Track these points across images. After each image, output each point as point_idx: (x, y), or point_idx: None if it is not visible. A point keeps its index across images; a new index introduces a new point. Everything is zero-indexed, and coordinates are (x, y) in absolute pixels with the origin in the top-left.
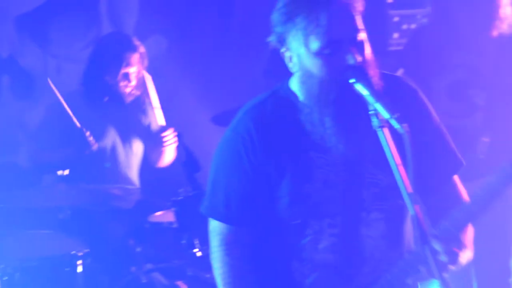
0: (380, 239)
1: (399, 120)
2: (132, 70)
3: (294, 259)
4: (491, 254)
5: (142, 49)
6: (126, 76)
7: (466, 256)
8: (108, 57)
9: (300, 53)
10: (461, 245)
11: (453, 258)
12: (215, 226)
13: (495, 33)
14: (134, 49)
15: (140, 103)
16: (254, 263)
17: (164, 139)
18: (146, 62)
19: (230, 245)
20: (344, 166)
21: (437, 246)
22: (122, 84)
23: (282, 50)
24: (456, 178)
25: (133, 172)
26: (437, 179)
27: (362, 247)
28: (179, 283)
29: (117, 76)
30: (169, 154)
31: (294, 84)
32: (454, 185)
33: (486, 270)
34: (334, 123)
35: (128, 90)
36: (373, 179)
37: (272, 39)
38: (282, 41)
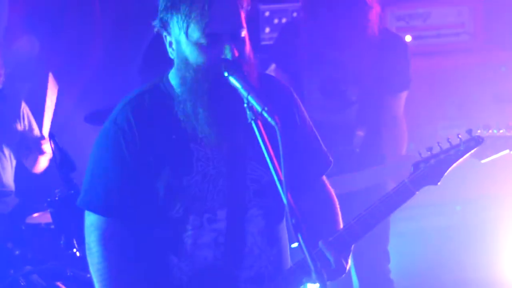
0: (258, 235)
1: (270, 113)
2: None
3: (174, 254)
4: (369, 240)
5: None
6: None
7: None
8: None
9: (180, 40)
10: (349, 254)
11: (342, 267)
12: (93, 221)
13: (362, 32)
14: None
15: (15, 107)
16: (134, 258)
17: (42, 148)
18: None
19: (109, 240)
20: (224, 160)
21: (328, 255)
22: None
23: (164, 34)
24: (324, 178)
25: (7, 175)
26: (307, 178)
27: (242, 243)
28: (59, 284)
29: None
30: (43, 162)
31: (173, 75)
32: (322, 185)
33: (364, 256)
34: (208, 115)
35: None
36: (254, 175)
37: (156, 22)
38: (164, 25)
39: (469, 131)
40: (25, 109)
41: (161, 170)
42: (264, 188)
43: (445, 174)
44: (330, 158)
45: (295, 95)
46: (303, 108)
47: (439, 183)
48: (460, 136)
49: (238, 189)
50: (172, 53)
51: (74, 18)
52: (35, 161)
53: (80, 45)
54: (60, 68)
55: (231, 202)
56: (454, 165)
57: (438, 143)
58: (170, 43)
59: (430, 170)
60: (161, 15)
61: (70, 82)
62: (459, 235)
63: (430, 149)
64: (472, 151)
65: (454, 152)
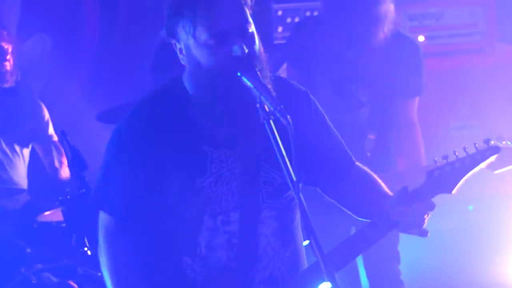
0: (272, 236)
1: (282, 112)
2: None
3: (187, 255)
4: (380, 241)
5: None
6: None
7: None
8: None
9: (189, 44)
10: None
11: None
12: (103, 218)
13: (376, 32)
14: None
15: (28, 105)
16: (145, 258)
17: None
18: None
19: (116, 236)
20: (238, 162)
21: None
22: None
23: (173, 42)
24: (358, 166)
25: (19, 172)
26: (333, 177)
27: (256, 244)
28: (70, 282)
29: None
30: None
31: (186, 78)
32: (356, 174)
33: (374, 256)
34: (224, 117)
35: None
36: (268, 177)
37: (164, 31)
38: (172, 33)
39: (487, 141)
40: (39, 107)
41: (175, 172)
42: (277, 191)
43: (460, 182)
44: (353, 158)
45: (312, 97)
46: (321, 110)
47: (453, 192)
48: (476, 145)
49: (251, 191)
50: (183, 59)
51: (87, 16)
52: (51, 163)
53: (92, 43)
54: (72, 66)
55: (244, 204)
56: (470, 174)
57: (454, 151)
58: (180, 50)
59: (445, 178)
60: (167, 23)
61: (82, 80)
62: (472, 235)
63: (445, 157)
64: (488, 160)
65: (469, 161)
